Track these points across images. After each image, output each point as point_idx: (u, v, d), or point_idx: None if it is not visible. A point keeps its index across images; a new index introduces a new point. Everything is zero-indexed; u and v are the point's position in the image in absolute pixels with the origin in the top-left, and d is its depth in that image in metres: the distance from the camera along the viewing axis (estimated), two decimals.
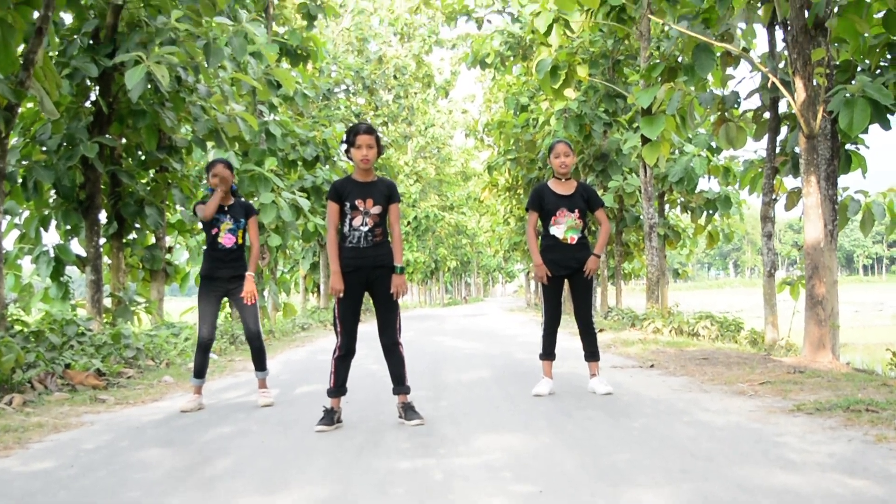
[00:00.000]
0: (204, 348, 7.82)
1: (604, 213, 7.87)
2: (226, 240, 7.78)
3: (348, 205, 6.33)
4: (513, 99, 29.09)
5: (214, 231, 7.77)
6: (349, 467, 4.87)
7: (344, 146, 6.41)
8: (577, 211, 7.71)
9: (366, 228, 6.33)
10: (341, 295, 6.29)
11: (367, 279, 6.37)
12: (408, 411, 6.37)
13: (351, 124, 30.85)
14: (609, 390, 7.62)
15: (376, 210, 6.34)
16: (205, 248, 7.94)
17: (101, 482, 4.72)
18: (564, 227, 7.71)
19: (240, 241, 7.86)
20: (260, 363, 8.00)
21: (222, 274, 7.78)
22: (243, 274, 7.84)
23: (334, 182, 6.43)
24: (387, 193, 6.41)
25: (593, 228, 22.39)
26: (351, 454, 5.26)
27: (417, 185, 53.39)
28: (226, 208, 7.83)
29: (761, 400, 6.84)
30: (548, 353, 7.91)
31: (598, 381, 7.78)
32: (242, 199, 8.10)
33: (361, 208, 6.32)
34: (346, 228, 6.32)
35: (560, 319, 7.89)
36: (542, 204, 7.78)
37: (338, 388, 6.41)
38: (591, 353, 7.87)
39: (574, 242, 7.72)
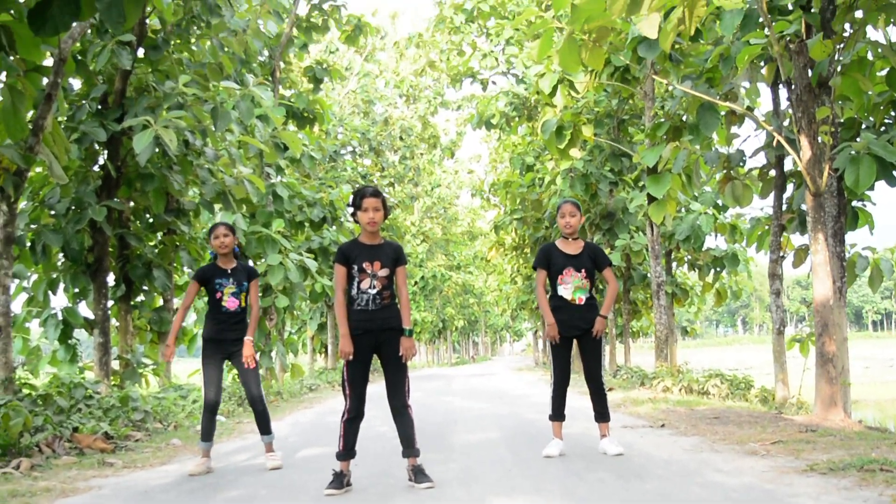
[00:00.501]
0: (210, 411, 7.79)
1: (611, 272, 7.88)
2: (229, 303, 7.79)
3: (356, 267, 6.33)
4: (518, 159, 29.22)
5: (218, 295, 7.77)
6: None
7: (350, 209, 6.43)
8: (583, 271, 7.71)
9: (374, 291, 6.33)
10: (350, 358, 6.26)
11: (377, 342, 6.35)
12: (418, 474, 6.31)
13: (357, 186, 31.05)
14: (620, 451, 7.57)
15: (384, 273, 6.35)
16: (208, 311, 7.93)
17: None
18: (572, 288, 7.70)
19: (243, 304, 7.86)
20: (264, 427, 7.93)
21: (226, 336, 7.78)
22: (242, 337, 7.83)
23: (341, 245, 6.45)
24: (394, 256, 6.43)
25: (601, 287, 22.35)
26: None
27: (424, 244, 53.50)
28: (229, 271, 7.84)
29: (774, 460, 6.78)
30: (557, 413, 7.87)
31: (608, 441, 7.73)
32: (245, 262, 8.13)
33: (369, 271, 6.33)
34: (355, 291, 6.32)
35: (569, 379, 7.85)
36: (550, 263, 7.80)
37: (347, 451, 6.36)
38: (601, 414, 7.81)
39: (582, 303, 7.71)
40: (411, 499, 5.78)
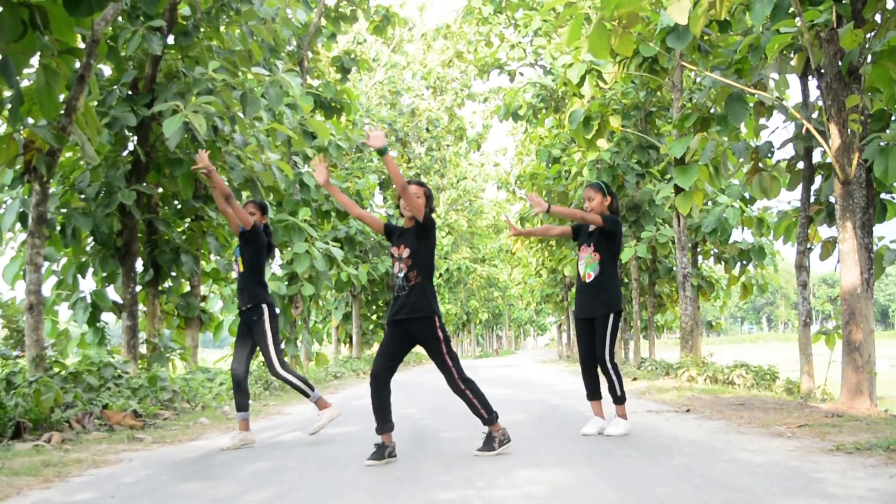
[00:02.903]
0: (236, 383, 7.85)
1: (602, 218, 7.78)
2: (235, 270, 7.87)
3: (391, 254, 6.60)
4: (545, 151, 29.20)
5: (235, 264, 7.88)
6: (389, 498, 4.89)
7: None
8: (592, 245, 7.76)
9: (402, 274, 6.50)
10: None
11: (410, 332, 6.53)
12: (483, 442, 6.60)
13: (385, 176, 31.09)
14: (622, 432, 7.64)
15: (406, 253, 6.49)
16: None
17: None
18: (584, 264, 7.78)
19: (241, 269, 7.88)
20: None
21: (239, 304, 7.86)
22: (254, 305, 7.83)
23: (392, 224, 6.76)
24: (416, 232, 6.55)
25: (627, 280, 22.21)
26: (391, 487, 5.27)
27: (449, 237, 53.51)
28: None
29: (799, 441, 6.79)
30: (590, 393, 7.92)
31: (612, 422, 7.81)
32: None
33: (396, 255, 6.54)
34: (392, 278, 6.53)
35: (591, 360, 7.87)
36: (576, 235, 7.97)
37: (381, 424, 6.47)
38: (611, 398, 7.87)
39: (590, 280, 7.77)
40: (440, 470, 5.83)
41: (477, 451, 6.53)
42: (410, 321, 6.47)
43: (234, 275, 7.89)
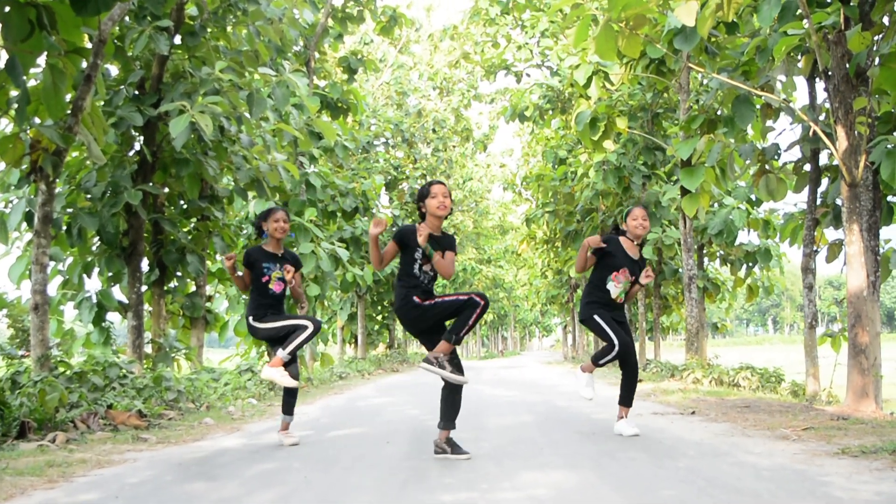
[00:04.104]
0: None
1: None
2: (276, 286, 7.91)
3: (419, 251, 6.60)
4: (551, 152, 29.18)
5: (265, 279, 7.89)
6: (394, 500, 4.88)
7: (418, 202, 6.74)
8: (633, 275, 7.89)
9: (431, 274, 6.68)
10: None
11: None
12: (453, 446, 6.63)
13: (391, 177, 31.10)
14: (636, 432, 7.64)
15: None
16: (253, 292, 7.99)
17: None
18: (620, 289, 7.83)
19: (286, 288, 8.00)
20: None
21: (269, 312, 7.92)
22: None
23: (407, 227, 6.66)
24: (446, 245, 6.66)
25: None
26: (395, 488, 5.26)
27: (455, 237, 53.48)
28: (278, 256, 7.97)
29: (805, 444, 6.78)
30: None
31: (624, 423, 7.81)
32: (293, 252, 8.30)
33: (418, 256, 6.63)
34: (417, 271, 6.58)
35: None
36: (610, 254, 7.88)
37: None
38: (623, 398, 7.91)
39: (621, 302, 7.92)
40: (445, 472, 5.81)
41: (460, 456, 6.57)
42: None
43: (275, 289, 7.91)
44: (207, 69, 13.65)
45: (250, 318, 7.95)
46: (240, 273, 7.91)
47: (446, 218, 6.70)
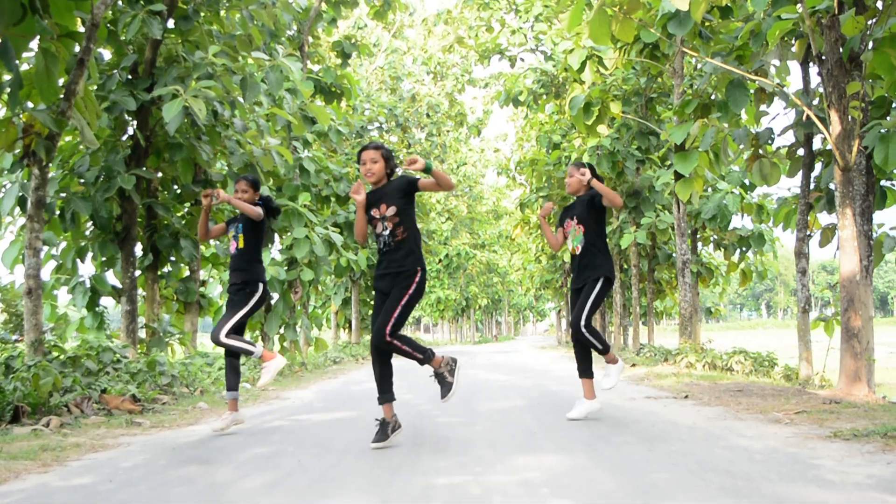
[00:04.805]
0: (229, 365, 7.87)
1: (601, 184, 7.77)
2: (232, 245, 7.84)
3: (369, 217, 6.56)
4: (545, 137, 29.16)
5: (231, 237, 7.87)
6: (387, 484, 4.89)
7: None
8: (575, 218, 7.86)
9: (387, 232, 6.49)
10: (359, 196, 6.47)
11: (392, 285, 6.49)
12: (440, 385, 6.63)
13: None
14: (615, 380, 7.97)
15: (392, 211, 6.47)
16: None
17: (142, 496, 4.76)
18: (571, 238, 7.89)
19: (240, 245, 7.81)
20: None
21: (232, 280, 7.81)
22: (245, 281, 7.78)
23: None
24: (401, 190, 6.52)
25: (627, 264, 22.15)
26: (388, 472, 5.28)
27: (449, 223, 53.58)
28: (237, 217, 7.90)
29: (797, 428, 6.80)
30: (581, 369, 7.98)
31: (605, 373, 8.01)
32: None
33: (378, 215, 6.50)
34: (376, 238, 6.52)
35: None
36: (561, 223, 8.06)
37: (381, 394, 6.56)
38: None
39: (578, 252, 7.84)
40: (438, 456, 5.83)
41: (441, 399, 6.53)
42: (393, 275, 6.47)
43: (231, 250, 7.81)
44: (201, 53, 13.63)
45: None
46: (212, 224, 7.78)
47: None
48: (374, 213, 6.50)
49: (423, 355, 6.41)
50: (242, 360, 14.06)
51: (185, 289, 15.68)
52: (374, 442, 6.34)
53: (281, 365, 7.93)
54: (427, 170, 6.27)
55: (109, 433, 7.64)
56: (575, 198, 8.03)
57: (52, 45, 9.15)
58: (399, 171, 6.65)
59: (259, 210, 7.76)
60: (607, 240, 8.17)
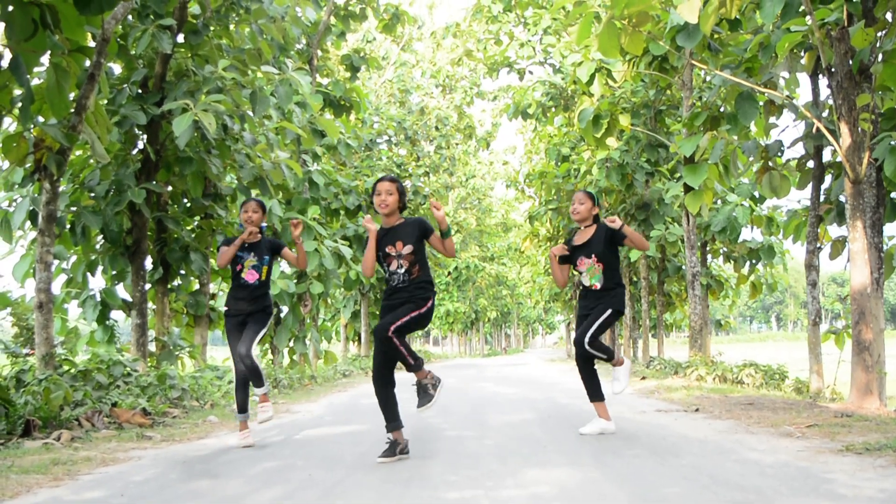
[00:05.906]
0: (242, 383, 7.85)
1: (629, 228, 7.77)
2: (248, 275, 7.79)
3: (381, 254, 6.55)
4: (554, 149, 29.14)
5: (238, 267, 7.79)
6: (397, 499, 4.89)
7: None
8: (593, 256, 7.77)
9: (402, 270, 6.50)
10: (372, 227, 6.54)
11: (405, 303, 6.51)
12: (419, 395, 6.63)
13: (394, 174, 31.12)
14: (624, 382, 7.91)
15: (408, 250, 6.49)
16: (231, 284, 7.95)
17: None
18: (588, 276, 7.79)
19: (262, 278, 7.83)
20: (256, 381, 7.85)
21: (243, 309, 7.76)
22: (263, 308, 7.82)
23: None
24: (418, 230, 6.55)
25: (635, 279, 22.12)
26: (398, 486, 5.27)
27: (458, 235, 53.53)
28: (247, 245, 7.86)
29: (809, 441, 6.77)
30: (590, 394, 7.89)
31: (613, 376, 7.97)
32: (272, 238, 8.15)
33: (393, 253, 6.50)
34: (387, 274, 6.53)
35: (588, 358, 7.83)
36: (569, 255, 7.98)
37: (389, 422, 6.52)
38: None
39: (598, 289, 7.79)
40: (448, 469, 5.82)
41: (417, 408, 6.51)
42: (406, 298, 6.50)
43: (249, 280, 7.79)
44: (210, 67, 13.67)
45: (225, 309, 7.93)
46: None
47: (448, 218, 6.68)
48: (390, 249, 6.51)
49: (415, 361, 6.43)
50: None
51: (195, 302, 15.69)
52: (381, 456, 6.37)
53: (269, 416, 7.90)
54: (445, 232, 6.41)
55: (120, 447, 7.65)
56: (582, 226, 7.97)
57: (63, 59, 9.18)
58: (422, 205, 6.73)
59: (307, 262, 7.90)
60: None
